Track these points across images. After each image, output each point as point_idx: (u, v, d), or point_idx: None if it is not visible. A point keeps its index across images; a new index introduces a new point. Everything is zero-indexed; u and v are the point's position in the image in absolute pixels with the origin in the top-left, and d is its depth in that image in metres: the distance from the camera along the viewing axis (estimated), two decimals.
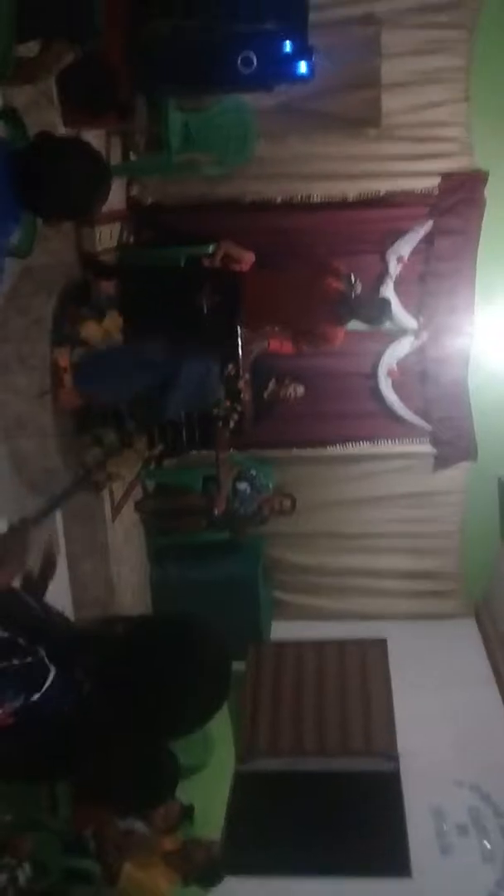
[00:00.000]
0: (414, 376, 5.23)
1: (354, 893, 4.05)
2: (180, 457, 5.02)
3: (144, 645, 1.61)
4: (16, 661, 1.54)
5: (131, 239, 4.83)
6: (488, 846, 4.20)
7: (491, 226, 4.90)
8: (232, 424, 4.24)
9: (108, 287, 4.05)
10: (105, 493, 4.26)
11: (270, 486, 5.10)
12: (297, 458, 5.40)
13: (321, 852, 4.18)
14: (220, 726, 4.75)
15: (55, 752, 1.72)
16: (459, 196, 4.84)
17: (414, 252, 4.94)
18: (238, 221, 4.82)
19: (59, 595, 1.93)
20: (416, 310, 5.08)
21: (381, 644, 5.35)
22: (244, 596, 5.09)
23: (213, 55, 3.79)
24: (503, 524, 5.54)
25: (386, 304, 4.61)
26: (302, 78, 3.90)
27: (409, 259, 4.94)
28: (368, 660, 5.24)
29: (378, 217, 4.92)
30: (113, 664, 1.59)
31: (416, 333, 5.10)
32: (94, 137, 3.92)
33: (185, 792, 3.85)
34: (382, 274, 4.97)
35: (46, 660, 1.57)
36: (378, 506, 5.53)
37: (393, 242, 4.92)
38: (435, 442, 5.35)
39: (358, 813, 4.39)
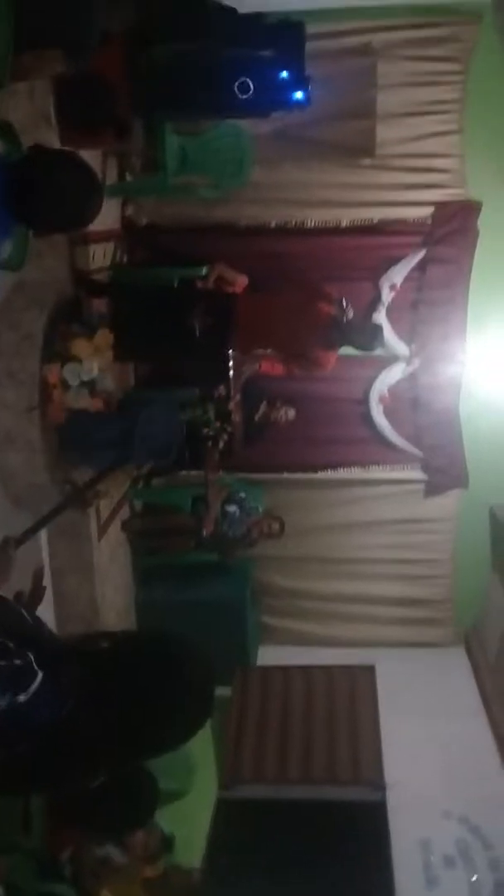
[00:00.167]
0: (405, 403, 5.24)
1: None
2: (169, 476, 5.00)
3: (130, 662, 1.63)
4: (3, 662, 1.54)
5: (125, 258, 4.87)
6: (476, 879, 4.12)
7: (484, 256, 4.96)
8: (221, 445, 4.23)
9: (99, 305, 4.07)
10: (92, 511, 4.24)
11: (260, 508, 5.08)
12: (287, 482, 5.39)
13: (304, 883, 4.08)
14: (204, 751, 4.67)
15: (36, 763, 1.70)
16: (453, 226, 4.90)
17: (406, 280, 4.98)
18: (232, 244, 4.86)
19: (41, 611, 1.94)
20: (408, 337, 5.12)
21: (369, 671, 5.29)
22: (231, 619, 5.05)
23: (211, 80, 3.84)
24: (494, 553, 5.52)
25: (378, 329, 4.63)
26: (298, 105, 3.95)
27: (401, 286, 4.98)
28: (356, 687, 5.17)
29: (371, 244, 4.97)
30: (98, 679, 1.60)
31: (408, 360, 5.13)
32: (90, 157, 3.95)
33: (166, 818, 3.79)
34: (375, 301, 5.01)
35: (35, 665, 1.57)
36: (368, 531, 5.51)
37: (386, 270, 4.97)
38: (426, 469, 5.35)
39: (343, 843, 4.30)
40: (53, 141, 3.55)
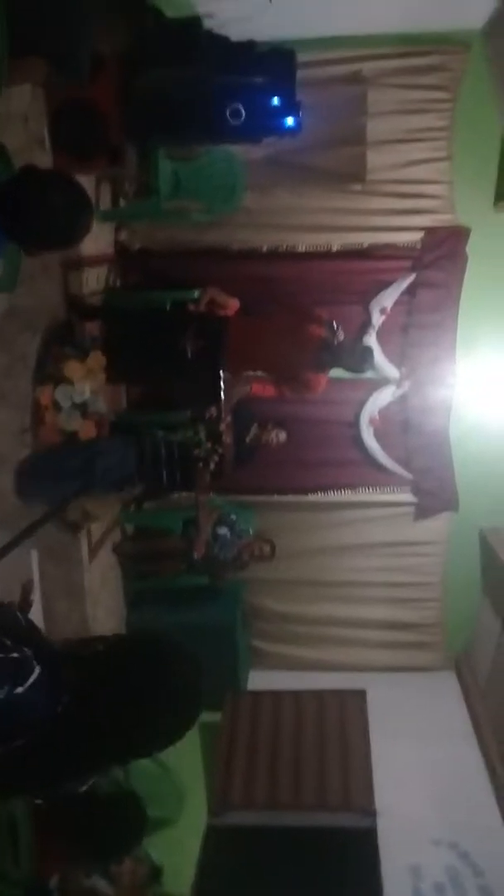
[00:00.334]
0: (396, 425, 5.26)
1: None
2: (160, 498, 4.99)
3: (123, 664, 1.70)
4: (1, 655, 1.58)
5: (118, 283, 4.89)
6: None
7: (472, 281, 5.01)
8: (212, 466, 4.23)
9: (92, 328, 4.08)
10: (82, 535, 4.22)
11: (251, 531, 5.06)
12: (278, 504, 5.38)
13: None
14: (193, 777, 4.62)
15: (31, 760, 1.71)
16: (442, 251, 4.95)
17: (396, 304, 5.02)
18: (224, 268, 4.90)
19: None
20: (399, 360, 5.14)
21: (360, 696, 5.25)
22: (222, 642, 5.01)
23: (204, 106, 3.89)
24: (484, 576, 5.52)
25: (368, 352, 4.66)
26: (289, 131, 4.00)
27: (391, 310, 5.02)
28: (347, 711, 5.13)
29: (362, 269, 5.01)
30: (91, 680, 1.66)
31: (398, 383, 5.15)
32: (84, 183, 3.98)
33: (155, 846, 3.74)
34: (365, 324, 5.04)
35: (33, 660, 1.61)
36: (359, 554, 5.50)
37: (376, 294, 5.01)
38: (416, 491, 5.36)
39: (333, 870, 4.25)
40: (47, 166, 3.58)
